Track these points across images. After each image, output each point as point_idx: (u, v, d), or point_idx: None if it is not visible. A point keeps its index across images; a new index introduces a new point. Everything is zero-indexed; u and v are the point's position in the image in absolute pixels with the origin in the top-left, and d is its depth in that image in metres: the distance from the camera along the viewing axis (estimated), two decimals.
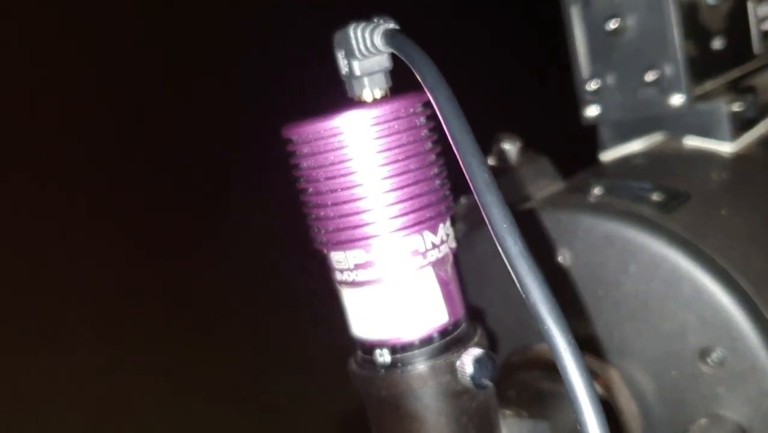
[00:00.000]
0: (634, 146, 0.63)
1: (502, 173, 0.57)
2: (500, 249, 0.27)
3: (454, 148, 0.29)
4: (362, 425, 0.46)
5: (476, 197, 0.28)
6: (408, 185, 0.38)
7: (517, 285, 0.27)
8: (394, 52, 0.34)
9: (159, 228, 2.83)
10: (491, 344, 0.41)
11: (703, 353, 0.46)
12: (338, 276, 0.40)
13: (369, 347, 0.40)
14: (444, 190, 0.39)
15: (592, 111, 0.62)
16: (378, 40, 0.35)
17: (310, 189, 0.39)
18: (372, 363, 0.40)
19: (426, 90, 0.30)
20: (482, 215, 0.54)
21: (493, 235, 0.27)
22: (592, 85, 0.61)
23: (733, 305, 0.45)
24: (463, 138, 0.28)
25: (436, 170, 0.39)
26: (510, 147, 0.56)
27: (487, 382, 0.38)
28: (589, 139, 0.69)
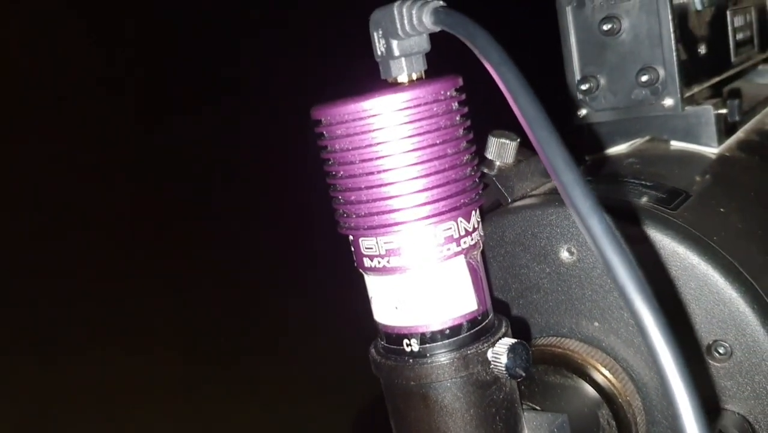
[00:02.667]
0: (621, 149, 0.64)
1: (501, 169, 0.56)
2: (583, 230, 0.27)
3: (525, 127, 0.28)
4: (377, 416, 0.45)
5: (554, 176, 0.27)
6: (444, 170, 0.37)
7: (605, 265, 0.27)
8: (447, 30, 0.33)
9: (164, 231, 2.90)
10: (521, 335, 0.41)
11: (710, 348, 0.47)
12: (367, 263, 0.39)
13: (396, 336, 0.39)
14: (476, 176, 0.39)
15: (583, 112, 0.63)
16: (426, 18, 0.35)
17: (341, 172, 0.38)
18: (398, 352, 0.39)
19: (490, 67, 0.30)
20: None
21: (575, 215, 0.27)
22: (585, 86, 0.61)
23: (742, 299, 0.46)
24: (535, 115, 0.28)
25: (469, 156, 0.38)
26: (508, 142, 0.56)
27: (521, 372, 0.38)
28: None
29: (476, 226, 0.39)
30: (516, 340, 0.38)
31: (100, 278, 2.71)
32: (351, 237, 0.39)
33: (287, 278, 2.62)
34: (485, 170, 0.56)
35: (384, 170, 0.36)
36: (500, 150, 0.56)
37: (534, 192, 0.56)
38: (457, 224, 0.38)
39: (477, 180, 0.39)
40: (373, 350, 0.41)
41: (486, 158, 0.57)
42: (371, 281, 0.40)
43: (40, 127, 3.26)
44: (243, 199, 3.08)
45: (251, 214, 3.01)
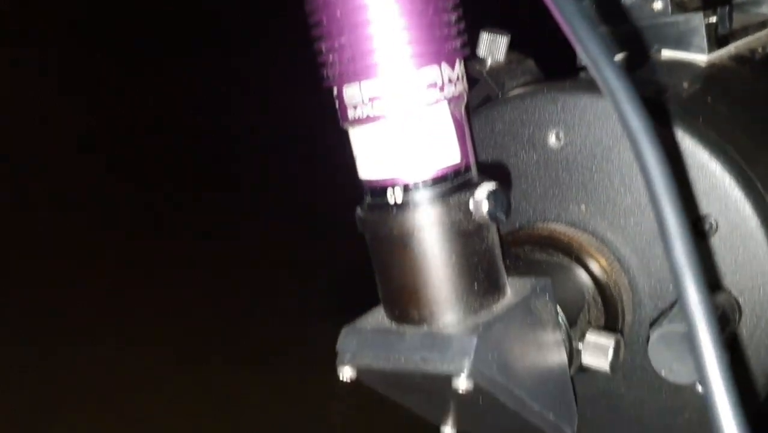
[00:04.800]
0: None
1: (492, 67, 0.57)
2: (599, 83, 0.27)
3: None
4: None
5: (565, 29, 0.27)
6: (426, 10, 0.37)
7: (620, 123, 0.27)
8: None
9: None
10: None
11: (695, 223, 0.47)
12: (350, 113, 0.39)
13: (380, 188, 0.39)
14: (461, 26, 0.39)
15: None
16: None
17: (324, 19, 0.38)
18: (382, 205, 0.39)
19: None
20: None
21: (595, 74, 0.27)
22: None
23: (726, 173, 0.46)
24: None
25: (453, 4, 0.39)
26: (500, 38, 0.56)
27: (502, 216, 0.38)
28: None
29: (460, 77, 0.39)
30: (496, 184, 0.39)
31: (96, 277, 2.70)
32: (335, 91, 0.40)
33: (282, 282, 2.61)
34: (477, 67, 0.57)
35: (363, 10, 0.37)
36: (491, 46, 0.57)
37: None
38: (441, 70, 0.38)
39: (461, 30, 0.39)
40: (358, 209, 0.41)
41: (477, 56, 0.57)
42: (355, 135, 0.40)
43: (39, 130, 3.27)
44: (239, 201, 3.08)
45: (247, 215, 2.99)
